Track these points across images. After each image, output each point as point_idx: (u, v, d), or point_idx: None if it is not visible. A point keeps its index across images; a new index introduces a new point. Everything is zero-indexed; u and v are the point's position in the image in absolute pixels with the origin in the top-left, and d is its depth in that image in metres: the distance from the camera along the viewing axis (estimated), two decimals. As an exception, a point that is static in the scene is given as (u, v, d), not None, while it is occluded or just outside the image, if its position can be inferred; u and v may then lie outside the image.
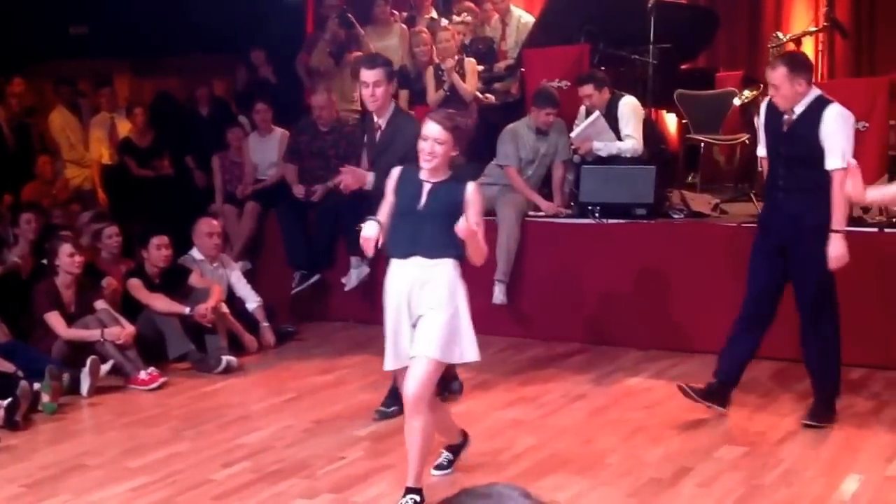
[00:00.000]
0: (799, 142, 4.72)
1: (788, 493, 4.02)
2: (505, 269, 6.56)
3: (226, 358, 6.12)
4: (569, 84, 7.69)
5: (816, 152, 4.64)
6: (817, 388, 4.91)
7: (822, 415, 4.83)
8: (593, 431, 4.87)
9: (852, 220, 5.96)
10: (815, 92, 4.74)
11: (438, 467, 4.29)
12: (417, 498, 3.88)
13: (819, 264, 4.66)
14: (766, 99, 4.99)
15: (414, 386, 3.80)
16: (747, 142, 7.67)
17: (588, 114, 7.11)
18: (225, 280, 6.78)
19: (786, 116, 4.74)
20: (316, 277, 7.24)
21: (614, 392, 5.56)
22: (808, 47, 8.55)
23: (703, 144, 7.94)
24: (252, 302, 6.79)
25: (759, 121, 5.03)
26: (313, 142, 7.38)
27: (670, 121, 8.95)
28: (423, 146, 3.92)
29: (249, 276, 7.18)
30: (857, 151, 6.37)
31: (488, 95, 8.31)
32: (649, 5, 7.34)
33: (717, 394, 4.94)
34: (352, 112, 8.16)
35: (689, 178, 7.99)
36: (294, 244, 7.33)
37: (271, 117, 7.98)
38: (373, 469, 4.39)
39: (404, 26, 8.78)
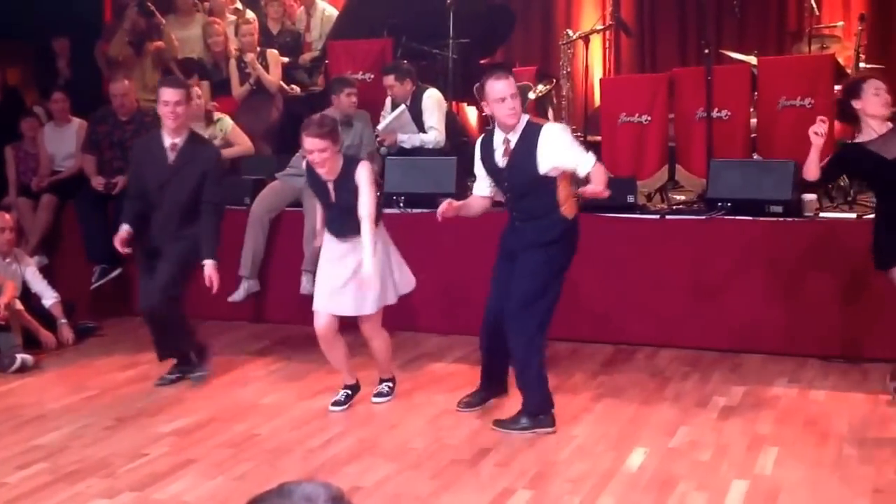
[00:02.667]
0: (523, 171, 4.58)
1: (581, 468, 4.26)
2: (311, 259, 6.61)
3: (20, 356, 5.92)
4: (373, 77, 7.83)
5: (542, 179, 4.55)
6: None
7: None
8: (399, 416, 5.02)
9: (636, 208, 6.40)
10: (525, 116, 4.63)
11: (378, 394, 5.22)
12: (391, 383, 5.27)
13: (539, 266, 4.63)
14: (480, 137, 4.97)
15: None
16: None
17: (394, 106, 7.27)
18: (19, 276, 6.52)
19: (502, 149, 4.61)
20: (117, 271, 7.07)
21: (419, 377, 5.73)
22: (595, 45, 9.02)
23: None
24: (49, 298, 6.56)
25: (476, 159, 4.86)
26: (112, 132, 7.18)
27: (471, 113, 9.23)
28: (312, 159, 4.72)
29: (46, 271, 6.94)
30: (641, 145, 6.87)
31: (293, 87, 8.32)
32: (448, 1, 7.54)
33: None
34: (152, 102, 7.97)
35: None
36: (93, 237, 7.12)
37: (69, 107, 7.72)
38: (176, 465, 4.35)
39: (207, 16, 8.67)
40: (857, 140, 5.09)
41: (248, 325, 7.03)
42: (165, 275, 5.34)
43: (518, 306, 4.64)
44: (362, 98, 7.79)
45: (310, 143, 4.69)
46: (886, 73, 7.97)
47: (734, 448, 4.49)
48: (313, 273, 6.61)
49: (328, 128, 4.71)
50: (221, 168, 5.62)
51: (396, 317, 6.72)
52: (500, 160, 4.65)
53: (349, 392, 5.18)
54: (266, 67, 7.94)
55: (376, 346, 5.14)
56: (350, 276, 4.83)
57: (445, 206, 4.78)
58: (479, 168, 4.85)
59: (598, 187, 4.43)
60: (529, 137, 4.55)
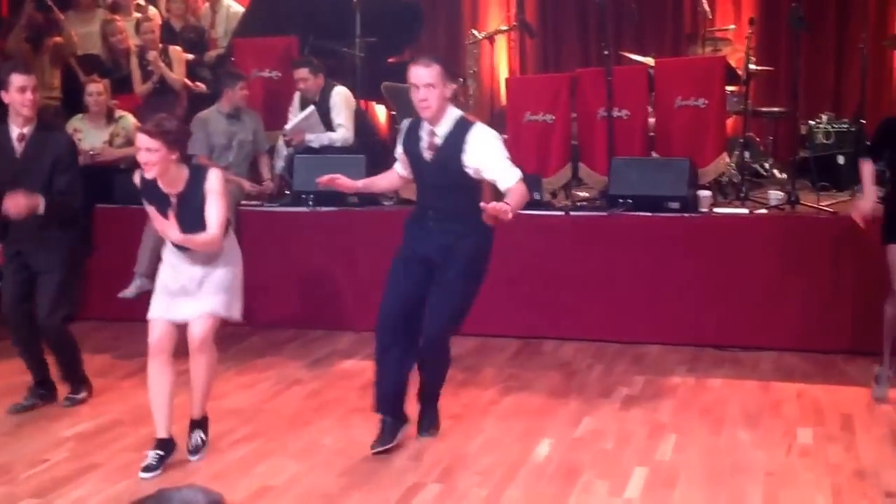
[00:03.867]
0: (445, 168, 4.31)
1: (489, 461, 4.36)
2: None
3: None
4: (280, 75, 7.83)
5: (465, 179, 4.30)
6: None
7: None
8: (309, 415, 5.05)
9: (541, 205, 6.55)
10: (457, 112, 4.35)
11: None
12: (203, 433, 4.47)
13: (463, 285, 4.39)
14: (408, 121, 4.64)
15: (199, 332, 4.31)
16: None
17: (302, 102, 7.27)
18: None
19: (427, 141, 4.33)
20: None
21: (329, 375, 5.77)
22: (501, 45, 9.15)
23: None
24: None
25: (400, 143, 4.55)
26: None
27: (379, 111, 9.28)
28: (139, 158, 4.18)
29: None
30: (546, 143, 7.01)
31: (199, 84, 8.26)
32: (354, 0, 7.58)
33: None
34: (52, 100, 7.85)
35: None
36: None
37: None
38: (78, 470, 4.31)
39: (109, 12, 8.53)
40: None
41: (135, 325, 6.91)
42: (52, 293, 4.95)
43: (444, 330, 4.42)
44: (269, 96, 7.80)
45: (139, 139, 4.16)
46: (774, 74, 8.32)
47: (636, 436, 4.65)
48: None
49: (165, 129, 4.12)
50: (74, 155, 5.08)
51: (308, 316, 6.78)
52: (425, 152, 4.34)
53: (161, 453, 4.31)
54: (169, 65, 7.87)
55: (201, 365, 4.34)
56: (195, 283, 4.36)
57: (326, 179, 4.59)
58: (400, 152, 4.52)
59: (503, 207, 3.95)
60: (458, 134, 4.26)
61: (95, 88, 7.15)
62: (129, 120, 7.33)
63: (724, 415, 4.94)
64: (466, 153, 4.25)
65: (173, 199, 4.25)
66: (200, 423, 4.47)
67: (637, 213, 6.30)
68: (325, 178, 4.61)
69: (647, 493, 3.99)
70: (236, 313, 4.47)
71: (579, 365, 5.89)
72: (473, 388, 5.42)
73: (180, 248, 4.31)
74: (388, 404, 4.49)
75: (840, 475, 4.12)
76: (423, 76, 4.19)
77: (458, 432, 4.74)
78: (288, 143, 7.20)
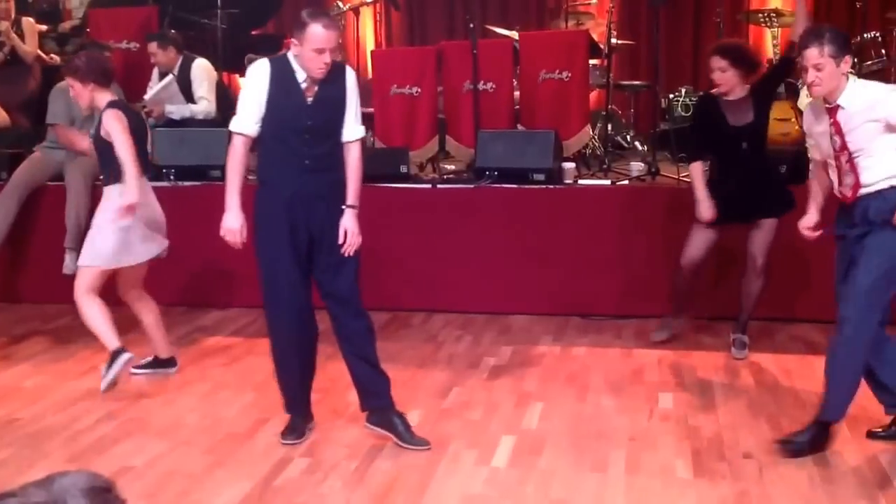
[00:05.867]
0: (326, 109, 4.02)
1: (357, 434, 4.33)
2: (74, 235, 6.33)
3: None
4: (138, 46, 7.58)
5: (340, 126, 4.05)
6: None
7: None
8: (173, 393, 4.93)
9: (409, 178, 6.54)
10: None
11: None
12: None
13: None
14: (270, 62, 4.00)
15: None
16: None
17: (161, 76, 7.06)
18: None
19: (305, 84, 3.96)
20: None
21: (193, 352, 5.63)
22: (367, 17, 9.07)
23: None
24: None
25: (261, 88, 3.99)
26: None
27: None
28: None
29: None
30: (412, 116, 7.00)
31: (53, 56, 7.93)
32: (216, -30, 7.39)
33: None
34: None
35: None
36: None
37: None
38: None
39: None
40: None
41: (4, 306, 6.67)
42: None
43: (355, 293, 4.15)
44: (128, 68, 7.54)
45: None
46: (635, 48, 8.51)
47: (503, 406, 4.70)
48: (77, 251, 6.36)
49: (76, 65, 4.73)
50: None
51: (174, 293, 6.60)
52: (306, 96, 3.97)
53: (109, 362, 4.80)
54: (21, 36, 7.53)
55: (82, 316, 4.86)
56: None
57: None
58: (257, 98, 3.96)
59: None
60: (336, 74, 3.98)
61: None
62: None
63: (588, 382, 5.04)
64: (348, 93, 4.06)
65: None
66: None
67: (503, 186, 6.35)
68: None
69: (514, 460, 4.03)
70: (99, 261, 4.79)
71: (447, 336, 5.91)
72: (341, 362, 5.34)
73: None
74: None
75: (699, 438, 4.25)
76: (332, 40, 3.86)
77: (325, 406, 4.70)
78: (148, 115, 6.97)
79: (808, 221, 4.17)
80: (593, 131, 7.30)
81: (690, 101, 7.82)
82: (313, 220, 4.03)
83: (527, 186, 6.33)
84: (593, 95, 8.02)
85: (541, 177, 6.32)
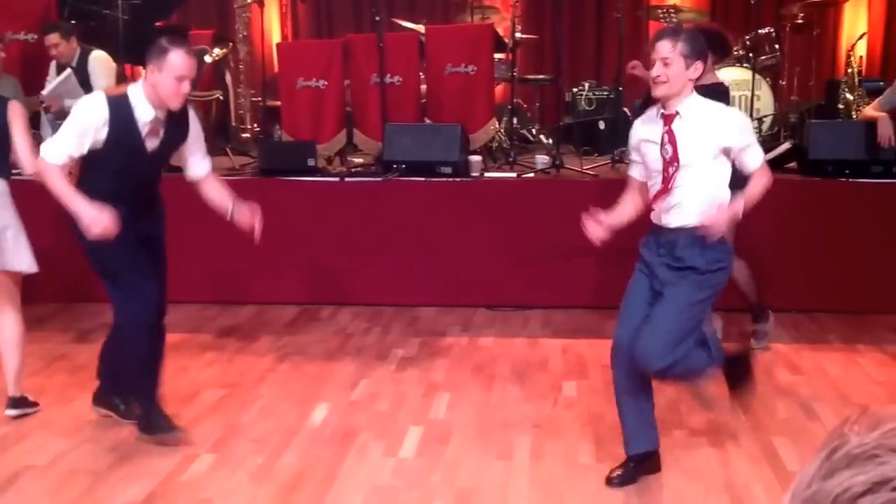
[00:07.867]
0: (162, 157, 4.16)
1: (265, 428, 4.33)
2: None
3: None
4: (36, 37, 7.38)
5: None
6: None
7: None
8: (74, 391, 4.84)
9: (316, 171, 6.54)
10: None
11: None
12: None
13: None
14: (107, 100, 3.96)
15: None
16: (221, 97, 8.00)
17: (59, 68, 6.89)
18: None
19: (147, 128, 3.96)
20: None
21: (95, 349, 5.52)
22: (272, 9, 9.02)
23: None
24: None
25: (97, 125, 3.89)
26: None
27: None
28: None
29: None
30: (319, 110, 6.98)
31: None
32: (116, -40, 7.25)
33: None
34: None
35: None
36: None
37: None
38: None
39: None
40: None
41: None
42: None
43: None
44: (25, 60, 7.35)
45: None
46: (539, 42, 8.63)
47: (411, 396, 4.75)
48: None
49: None
50: None
51: (71, 288, 6.47)
52: (147, 140, 3.98)
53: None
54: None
55: None
56: None
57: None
58: (91, 134, 3.87)
59: None
60: (180, 115, 4.03)
61: None
62: None
63: (494, 372, 5.13)
64: (190, 133, 4.16)
65: None
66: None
67: (411, 179, 6.39)
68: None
69: (422, 450, 4.09)
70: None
71: (356, 329, 5.94)
72: (249, 356, 5.37)
73: None
74: None
75: (602, 425, 4.35)
76: (192, 70, 3.94)
77: (233, 401, 4.69)
78: (46, 110, 6.80)
79: (604, 218, 3.81)
80: (499, 125, 7.39)
81: (593, 94, 7.98)
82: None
83: (434, 179, 6.38)
84: (499, 89, 8.11)
85: (448, 170, 6.38)
